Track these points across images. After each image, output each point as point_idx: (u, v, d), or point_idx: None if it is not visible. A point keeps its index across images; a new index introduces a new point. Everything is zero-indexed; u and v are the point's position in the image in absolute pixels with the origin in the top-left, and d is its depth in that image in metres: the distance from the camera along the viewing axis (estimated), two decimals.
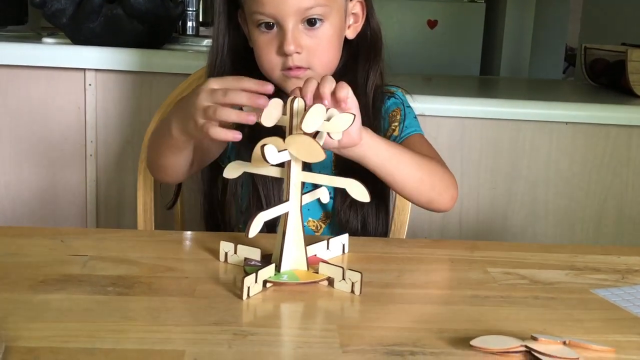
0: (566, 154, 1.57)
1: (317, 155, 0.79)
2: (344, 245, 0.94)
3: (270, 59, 1.03)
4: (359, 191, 0.83)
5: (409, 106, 1.17)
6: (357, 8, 1.09)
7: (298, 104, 0.81)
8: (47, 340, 0.65)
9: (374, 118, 1.10)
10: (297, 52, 1.01)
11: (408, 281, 0.86)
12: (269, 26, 1.02)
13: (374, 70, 1.11)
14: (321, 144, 0.80)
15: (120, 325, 0.69)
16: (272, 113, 0.80)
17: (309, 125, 0.79)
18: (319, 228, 1.12)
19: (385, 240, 1.04)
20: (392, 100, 1.15)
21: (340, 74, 1.08)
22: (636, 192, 1.59)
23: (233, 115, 0.82)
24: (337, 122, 0.83)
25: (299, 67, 1.02)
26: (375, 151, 0.95)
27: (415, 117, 1.16)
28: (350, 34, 1.10)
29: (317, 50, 1.03)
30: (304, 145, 0.79)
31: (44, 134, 1.54)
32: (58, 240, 0.93)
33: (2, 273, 0.82)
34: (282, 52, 1.01)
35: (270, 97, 0.82)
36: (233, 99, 0.83)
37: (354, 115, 0.83)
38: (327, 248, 0.92)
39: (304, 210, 0.85)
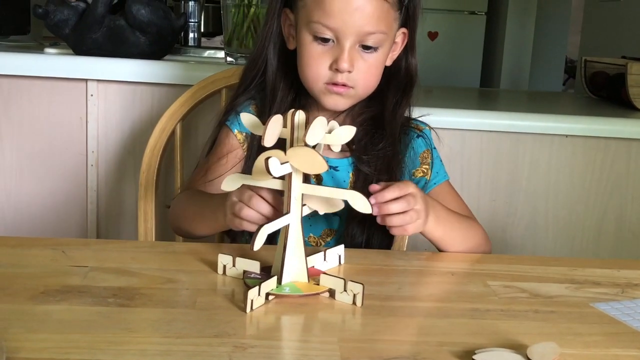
0: (566, 166, 1.57)
1: (319, 167, 0.79)
2: (339, 257, 0.94)
3: (318, 71, 1.05)
4: (361, 203, 0.83)
5: (435, 148, 1.19)
6: (399, 37, 1.11)
7: (299, 116, 0.82)
8: (47, 351, 0.66)
9: (397, 142, 1.12)
10: (349, 71, 1.03)
11: (408, 294, 0.86)
12: (325, 40, 1.03)
13: (404, 102, 1.14)
14: (320, 154, 0.81)
15: (121, 337, 0.69)
16: (273, 131, 0.80)
17: (311, 137, 0.80)
18: (318, 245, 1.12)
19: (385, 253, 1.04)
20: (422, 141, 1.17)
21: (370, 97, 1.12)
22: (636, 204, 1.59)
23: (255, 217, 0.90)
24: (338, 134, 0.84)
25: (344, 85, 1.05)
26: (432, 231, 1.01)
27: (441, 160, 1.19)
28: (388, 61, 1.11)
29: (366, 73, 1.06)
30: (306, 157, 0.80)
31: (45, 144, 1.54)
32: (59, 251, 0.93)
33: (3, 283, 0.82)
34: (334, 67, 1.04)
35: (287, 110, 0.83)
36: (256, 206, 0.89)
37: (355, 128, 0.84)
38: (324, 259, 0.92)
39: (306, 226, 0.86)
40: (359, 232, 1.09)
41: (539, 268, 0.97)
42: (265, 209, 0.89)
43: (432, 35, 3.95)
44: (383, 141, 1.11)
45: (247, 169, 1.11)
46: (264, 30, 1.14)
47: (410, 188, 0.95)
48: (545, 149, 1.57)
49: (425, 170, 1.16)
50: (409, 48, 1.14)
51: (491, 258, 1.03)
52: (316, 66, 1.05)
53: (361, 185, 1.06)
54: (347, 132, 0.84)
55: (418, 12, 1.11)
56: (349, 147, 1.10)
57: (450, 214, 1.05)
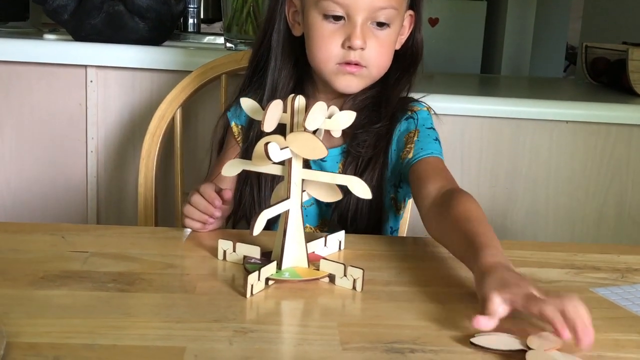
0: (566, 152, 1.57)
1: (319, 152, 0.79)
2: (340, 242, 0.94)
3: (330, 50, 1.03)
4: (361, 188, 0.83)
5: (431, 127, 1.12)
6: (406, 20, 1.10)
7: (299, 101, 0.81)
8: (48, 336, 0.66)
9: (390, 125, 1.10)
10: (362, 49, 1.02)
11: (408, 279, 0.86)
12: (336, 17, 1.02)
13: (405, 80, 1.13)
14: (320, 139, 0.81)
15: (121, 322, 0.69)
16: (272, 116, 0.80)
17: (311, 122, 0.80)
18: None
19: (385, 238, 1.04)
20: (407, 124, 1.11)
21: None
22: (636, 190, 1.59)
23: (194, 217, 0.97)
24: (338, 119, 0.84)
25: (357, 64, 1.03)
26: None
27: (437, 140, 1.10)
28: (397, 45, 1.10)
29: (378, 51, 1.04)
30: (305, 142, 0.79)
31: (45, 131, 1.54)
32: (59, 237, 0.93)
33: (3, 269, 0.82)
34: (346, 45, 1.02)
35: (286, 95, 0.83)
36: (195, 203, 0.96)
37: (355, 113, 0.84)
38: (325, 245, 0.92)
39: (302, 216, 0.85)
40: (347, 213, 1.08)
41: (538, 253, 0.97)
42: (201, 204, 0.94)
43: (433, 22, 3.93)
44: (380, 121, 1.09)
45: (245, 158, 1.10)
46: (266, 18, 1.13)
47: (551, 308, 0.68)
48: (546, 135, 1.56)
49: (409, 150, 1.09)
50: (416, 29, 1.13)
51: None
52: (327, 45, 1.03)
53: (350, 174, 1.04)
54: (347, 117, 0.83)
55: None
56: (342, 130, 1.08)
57: (495, 240, 0.84)
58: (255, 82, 1.15)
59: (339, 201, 1.06)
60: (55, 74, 1.52)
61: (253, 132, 1.12)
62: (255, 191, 1.10)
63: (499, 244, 0.83)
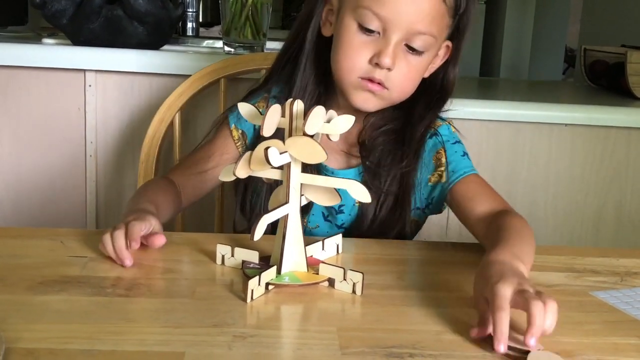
0: (565, 155, 1.57)
1: (318, 156, 0.79)
2: (337, 246, 0.94)
3: (356, 62, 0.97)
4: (360, 192, 0.83)
5: (457, 142, 1.09)
6: (442, 50, 1.04)
7: (297, 106, 0.81)
8: (46, 341, 0.66)
9: (416, 157, 1.06)
10: (389, 69, 0.97)
11: (407, 283, 0.86)
12: (370, 30, 0.96)
13: (431, 115, 1.07)
14: (319, 143, 0.81)
15: (119, 327, 0.69)
16: (272, 120, 0.79)
17: (311, 127, 0.80)
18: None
19: (384, 242, 1.04)
20: (433, 141, 1.08)
21: (396, 107, 1.05)
22: (635, 194, 1.59)
23: (109, 249, 0.87)
24: (337, 124, 0.83)
25: (380, 83, 0.98)
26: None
27: (465, 154, 1.09)
28: (427, 73, 1.04)
29: (406, 75, 0.99)
30: (305, 146, 0.79)
31: (44, 135, 1.54)
32: (58, 242, 0.93)
33: (1, 274, 0.82)
34: (374, 61, 0.96)
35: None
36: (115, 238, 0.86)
37: (354, 117, 0.83)
38: (323, 249, 0.92)
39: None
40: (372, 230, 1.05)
41: (538, 257, 0.97)
42: (118, 243, 0.85)
43: None
44: (405, 160, 1.04)
45: None
46: (303, 15, 1.07)
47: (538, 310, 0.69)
48: (545, 138, 1.56)
49: (441, 174, 1.07)
50: (452, 62, 1.06)
51: None
52: (355, 56, 0.97)
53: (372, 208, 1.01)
54: (346, 122, 0.83)
55: (469, 27, 1.04)
56: (362, 158, 1.04)
57: (522, 250, 0.85)
58: (275, 81, 1.10)
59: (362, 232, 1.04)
60: (54, 78, 1.52)
61: (254, 139, 1.09)
62: (264, 196, 1.07)
63: (526, 255, 0.82)
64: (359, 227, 1.06)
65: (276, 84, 1.11)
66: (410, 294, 0.82)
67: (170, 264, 0.88)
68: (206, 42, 1.89)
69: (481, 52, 4.02)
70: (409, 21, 0.95)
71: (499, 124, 1.56)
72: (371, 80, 0.98)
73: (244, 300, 0.76)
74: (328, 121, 0.83)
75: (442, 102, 1.08)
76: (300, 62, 1.06)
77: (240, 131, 1.12)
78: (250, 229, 1.12)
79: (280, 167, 0.82)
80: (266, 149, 0.76)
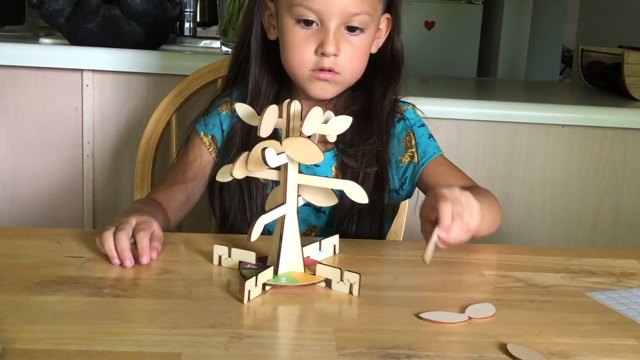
0: (562, 156, 1.58)
1: (316, 157, 0.79)
2: (334, 246, 0.94)
3: (303, 56, 1.02)
4: (357, 193, 0.83)
5: (422, 125, 1.15)
6: (383, 23, 1.09)
7: (294, 107, 0.81)
8: (43, 342, 0.66)
9: (386, 134, 1.10)
10: (335, 55, 1.01)
11: (404, 284, 0.86)
12: (309, 23, 1.01)
13: (391, 89, 1.12)
14: (314, 143, 0.81)
15: (116, 328, 0.69)
16: (269, 121, 0.79)
17: (308, 127, 0.80)
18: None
19: (380, 243, 1.05)
20: (402, 125, 1.13)
21: (356, 88, 1.09)
22: (632, 194, 1.59)
23: (109, 247, 0.87)
24: (334, 124, 0.84)
25: (330, 70, 1.02)
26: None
27: (431, 136, 1.14)
28: (373, 48, 1.09)
29: (352, 57, 1.03)
30: (302, 147, 0.79)
31: (41, 135, 1.54)
32: (55, 242, 0.93)
33: None
34: (319, 52, 1.01)
35: (272, 102, 0.82)
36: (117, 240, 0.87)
37: (351, 118, 0.84)
38: (320, 250, 0.92)
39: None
40: (350, 227, 1.08)
41: (534, 258, 0.97)
42: (121, 244, 0.85)
43: (429, 25, 3.94)
44: (372, 136, 1.08)
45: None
46: (244, 22, 1.12)
47: (449, 193, 0.84)
48: (542, 138, 1.57)
49: (412, 154, 1.12)
50: (394, 32, 1.11)
51: (487, 248, 1.03)
52: (300, 51, 1.02)
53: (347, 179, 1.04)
54: (343, 123, 0.84)
55: None
56: (335, 142, 1.06)
57: (481, 201, 0.91)
58: (234, 86, 1.14)
59: (341, 218, 1.07)
60: (51, 78, 1.52)
61: (232, 144, 1.11)
62: (246, 197, 1.09)
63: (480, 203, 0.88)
64: (341, 209, 1.07)
65: (235, 89, 1.15)
66: (407, 294, 0.82)
67: (167, 265, 0.88)
68: (204, 42, 1.89)
69: (478, 52, 4.02)
70: (341, 7, 0.99)
71: (496, 125, 1.56)
72: (322, 69, 1.02)
73: (241, 301, 0.76)
74: (325, 122, 0.83)
75: (398, 72, 1.12)
76: (250, 68, 1.10)
77: (209, 137, 1.14)
78: (221, 230, 1.13)
79: (278, 168, 0.82)
80: (263, 149, 0.76)
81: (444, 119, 1.53)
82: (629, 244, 1.60)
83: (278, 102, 0.83)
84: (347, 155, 1.08)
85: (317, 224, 1.12)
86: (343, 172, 1.08)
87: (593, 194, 1.59)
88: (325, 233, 1.11)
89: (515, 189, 1.58)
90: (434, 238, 0.82)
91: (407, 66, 1.13)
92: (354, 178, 0.97)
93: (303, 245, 0.86)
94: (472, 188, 1.00)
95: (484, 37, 4.03)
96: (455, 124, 1.55)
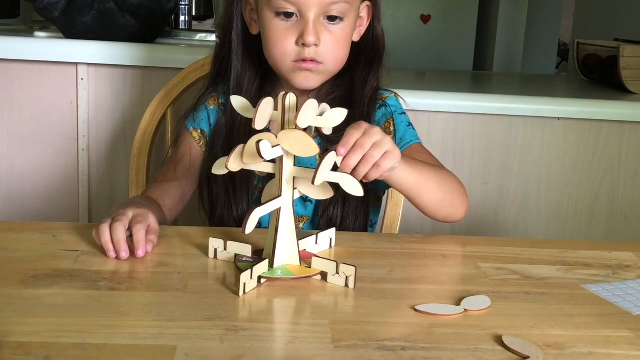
0: (558, 149, 1.58)
1: (311, 150, 0.79)
2: (331, 240, 0.94)
3: (284, 48, 1.03)
4: (352, 186, 0.83)
5: (403, 113, 1.16)
6: (364, 11, 1.10)
7: (290, 99, 0.81)
8: (38, 335, 0.65)
9: (367, 119, 1.11)
10: (316, 45, 1.02)
11: (400, 276, 0.86)
12: (288, 15, 1.02)
13: (373, 76, 1.13)
14: (310, 136, 0.80)
15: (111, 321, 0.69)
16: (264, 113, 0.79)
17: (303, 120, 0.79)
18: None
19: (376, 236, 1.04)
20: (382, 111, 1.15)
21: (338, 75, 1.10)
22: (628, 187, 1.60)
23: (105, 239, 0.87)
24: (330, 117, 0.83)
25: (312, 60, 1.03)
26: (404, 177, 0.96)
27: (410, 124, 1.15)
28: (355, 36, 1.10)
29: (333, 46, 1.04)
30: (297, 140, 0.79)
31: (36, 129, 1.53)
32: (50, 235, 0.93)
33: None
34: (300, 42, 1.02)
35: (259, 98, 0.81)
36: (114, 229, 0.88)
37: (347, 110, 0.84)
38: (316, 243, 0.92)
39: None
40: (335, 212, 1.09)
41: (530, 250, 0.98)
42: (117, 235, 0.86)
43: (425, 19, 3.93)
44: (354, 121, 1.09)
45: (211, 162, 1.05)
46: (225, 18, 1.12)
47: (364, 125, 0.86)
48: (538, 131, 1.57)
49: None
50: (375, 20, 1.12)
51: (483, 240, 1.03)
52: (282, 43, 1.03)
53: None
54: (339, 115, 0.83)
55: None
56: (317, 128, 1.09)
57: (420, 162, 1.01)
58: (219, 82, 1.15)
59: (326, 205, 1.08)
60: (46, 71, 1.51)
61: (218, 138, 1.12)
62: (231, 192, 1.09)
63: (418, 163, 0.98)
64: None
65: (221, 84, 1.15)
66: (403, 287, 0.82)
67: (163, 258, 0.87)
68: (199, 36, 1.89)
69: (474, 46, 4.01)
70: None
71: (492, 118, 1.56)
72: (304, 60, 1.03)
73: (237, 293, 0.76)
74: (321, 114, 0.83)
75: (379, 58, 1.13)
76: (232, 62, 1.11)
77: (199, 131, 1.15)
78: (210, 224, 1.13)
79: (273, 161, 0.82)
80: (258, 142, 0.76)
81: (440, 112, 1.53)
82: (625, 236, 1.60)
83: (261, 95, 0.82)
84: (331, 142, 1.07)
85: (304, 213, 1.12)
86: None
87: (589, 186, 1.59)
88: (312, 222, 1.11)
89: (511, 181, 1.58)
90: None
91: (389, 53, 1.14)
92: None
93: (299, 238, 0.86)
94: (438, 166, 1.06)
95: (480, 30, 4.02)
96: (451, 117, 1.55)
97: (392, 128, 1.13)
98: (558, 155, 1.58)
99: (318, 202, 1.10)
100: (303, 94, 1.09)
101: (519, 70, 4.04)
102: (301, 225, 1.12)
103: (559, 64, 4.98)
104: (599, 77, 1.93)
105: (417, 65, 3.55)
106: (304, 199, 1.11)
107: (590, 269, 0.91)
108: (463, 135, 1.56)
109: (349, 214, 1.09)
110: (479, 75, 2.70)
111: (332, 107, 1.08)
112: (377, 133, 0.85)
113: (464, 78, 2.26)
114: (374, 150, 0.84)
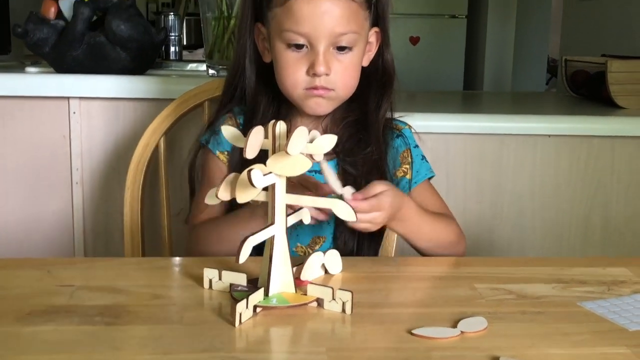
0: (550, 166, 1.58)
1: (301, 167, 0.79)
2: (324, 265, 0.94)
3: (296, 77, 1.06)
4: (345, 211, 0.83)
5: (416, 146, 1.20)
6: (372, 37, 1.12)
7: (280, 127, 0.82)
8: None
9: (383, 143, 1.14)
10: (326, 74, 1.04)
11: (396, 300, 0.86)
12: (299, 46, 1.05)
13: (385, 101, 1.15)
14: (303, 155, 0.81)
15: (108, 356, 0.69)
16: (254, 142, 0.80)
17: (293, 147, 0.80)
18: (306, 254, 1.12)
19: (372, 259, 1.05)
20: (401, 140, 1.18)
21: (351, 100, 1.12)
22: (621, 201, 1.60)
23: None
24: (320, 144, 0.84)
25: (324, 88, 1.06)
26: (397, 230, 1.05)
27: (424, 157, 1.19)
28: (365, 61, 1.12)
29: (343, 74, 1.07)
30: (286, 162, 0.80)
31: (29, 163, 1.53)
32: (44, 271, 0.93)
33: None
34: (310, 72, 1.05)
35: (266, 122, 0.83)
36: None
37: (336, 137, 0.84)
38: (318, 267, 0.92)
39: (293, 235, 0.86)
40: (350, 238, 1.10)
41: (525, 269, 0.98)
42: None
43: (414, 40, 3.96)
44: (370, 145, 1.12)
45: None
46: (238, 47, 1.15)
47: (378, 188, 0.96)
48: (529, 149, 1.57)
49: (406, 170, 1.17)
50: (384, 45, 1.14)
51: (477, 261, 1.03)
52: (293, 73, 1.06)
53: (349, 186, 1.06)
54: (329, 141, 0.84)
55: (387, 10, 1.12)
56: (333, 150, 1.10)
57: (420, 211, 1.06)
58: (234, 103, 1.16)
59: (341, 232, 1.10)
60: (38, 106, 1.52)
61: (236, 152, 1.13)
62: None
63: (424, 214, 1.06)
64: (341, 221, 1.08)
65: (235, 104, 1.17)
66: (399, 311, 0.82)
67: (158, 290, 0.87)
68: (190, 66, 1.90)
69: (464, 65, 4.04)
70: (327, 29, 1.03)
71: (483, 137, 1.57)
72: (315, 87, 1.06)
73: (233, 324, 0.76)
74: (311, 141, 0.83)
75: (390, 84, 1.16)
76: (247, 89, 1.14)
77: (225, 153, 1.16)
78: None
79: (266, 189, 0.82)
80: (249, 171, 0.77)
81: (431, 133, 1.54)
82: (620, 250, 1.60)
83: (280, 118, 0.84)
84: (348, 164, 1.11)
85: (322, 234, 1.13)
86: (345, 180, 1.09)
87: (582, 202, 1.60)
88: (327, 243, 1.12)
89: (505, 199, 1.59)
90: (347, 190, 0.91)
91: (398, 79, 1.16)
92: (356, 186, 0.99)
93: (293, 265, 0.86)
94: (440, 214, 1.13)
95: (468, 50, 4.06)
96: (442, 138, 1.56)
97: (409, 159, 1.17)
98: (550, 172, 1.59)
99: (336, 222, 1.11)
100: (317, 119, 1.12)
101: (510, 88, 4.07)
102: (317, 247, 1.13)
103: (549, 80, 5.01)
104: (587, 92, 1.95)
105: (407, 87, 3.57)
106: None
107: (586, 286, 0.91)
108: (455, 155, 1.57)
109: (365, 237, 1.10)
110: (469, 94, 2.71)
111: (347, 131, 1.13)
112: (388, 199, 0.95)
113: (454, 98, 2.28)
114: (378, 216, 0.95)
